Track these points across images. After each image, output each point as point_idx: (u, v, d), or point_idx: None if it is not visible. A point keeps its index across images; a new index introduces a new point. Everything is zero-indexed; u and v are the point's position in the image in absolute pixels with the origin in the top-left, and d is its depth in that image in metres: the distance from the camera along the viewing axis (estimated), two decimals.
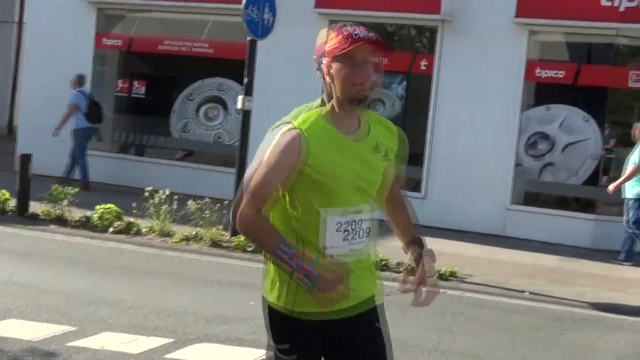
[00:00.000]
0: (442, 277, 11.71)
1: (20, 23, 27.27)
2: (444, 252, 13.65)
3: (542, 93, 16.18)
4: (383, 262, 12.07)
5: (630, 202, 13.75)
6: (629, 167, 13.73)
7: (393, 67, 16.90)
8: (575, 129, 15.78)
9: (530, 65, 15.79)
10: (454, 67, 16.14)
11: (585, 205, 15.95)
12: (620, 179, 13.80)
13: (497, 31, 15.89)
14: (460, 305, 10.55)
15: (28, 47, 20.06)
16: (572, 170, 15.74)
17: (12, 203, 14.02)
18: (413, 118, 17.01)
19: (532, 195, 16.24)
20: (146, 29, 19.04)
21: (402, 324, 9.30)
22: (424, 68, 16.56)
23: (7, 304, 8.72)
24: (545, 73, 15.79)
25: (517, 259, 13.73)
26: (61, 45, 18.93)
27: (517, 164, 15.81)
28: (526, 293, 11.39)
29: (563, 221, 15.50)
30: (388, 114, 17.04)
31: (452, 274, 11.85)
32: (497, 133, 15.77)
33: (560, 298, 11.25)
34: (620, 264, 13.79)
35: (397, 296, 10.66)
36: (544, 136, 15.87)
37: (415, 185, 16.55)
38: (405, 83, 17.16)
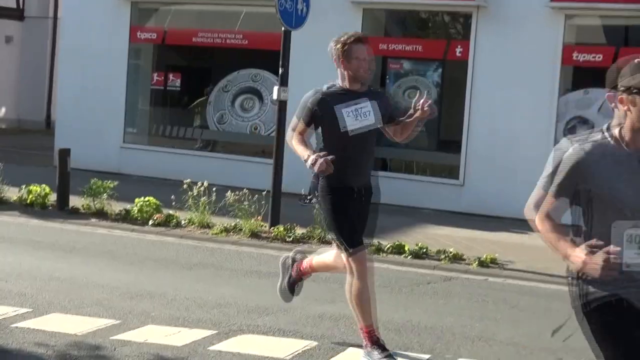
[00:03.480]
0: (482, 264, 11.67)
1: (55, 18, 27.46)
2: (484, 239, 13.60)
3: (579, 77, 16.04)
4: (422, 250, 12.04)
5: None
6: None
7: (428, 54, 16.85)
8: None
9: (567, 50, 15.67)
10: (490, 53, 16.04)
11: None
12: None
13: (533, 16, 15.78)
14: (501, 292, 10.50)
15: (63, 42, 20.17)
16: None
17: (52, 197, 14.11)
18: (449, 105, 16.94)
19: None
20: (180, 21, 19.08)
21: (444, 312, 9.27)
22: (459, 54, 16.47)
23: (51, 299, 8.78)
24: (583, 57, 15.66)
25: None
26: (96, 40, 19.03)
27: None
28: (568, 279, 11.29)
29: None
30: None
31: (493, 261, 11.79)
32: (535, 118, 15.66)
33: None
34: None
35: (439, 284, 10.67)
36: (583, 121, 15.75)
37: (452, 172, 16.50)
38: (440, 70, 17.09)
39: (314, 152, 7.00)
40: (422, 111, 7.21)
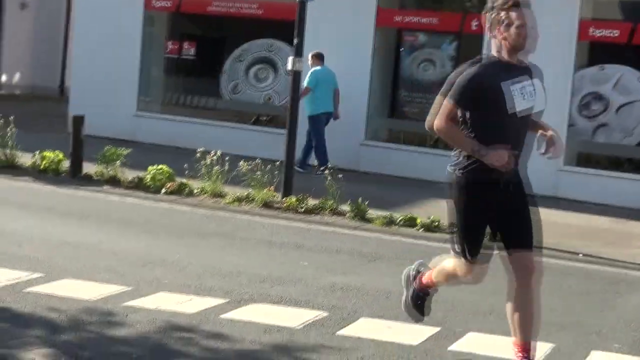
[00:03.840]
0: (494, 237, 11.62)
1: None
2: None
3: (595, 53, 15.96)
4: (434, 223, 12.03)
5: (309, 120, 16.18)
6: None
7: (443, 28, 16.78)
8: (630, 89, 15.57)
9: (583, 25, 15.57)
10: None
11: (639, 166, 15.76)
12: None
13: None
14: None
15: (78, 9, 20.15)
16: (626, 130, 15.56)
17: (66, 164, 14.13)
18: None
19: (585, 156, 16.08)
20: None
21: (455, 286, 9.26)
22: (475, 28, 16.38)
23: (64, 265, 8.82)
24: (599, 32, 15.57)
25: (569, 221, 13.63)
26: (111, 7, 18.99)
27: (570, 125, 15.65)
28: (579, 255, 11.31)
29: (616, 182, 15.34)
30: (439, 74, 16.93)
31: None
32: (550, 94, 15.42)
33: (614, 260, 11.15)
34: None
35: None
36: (598, 97, 15.68)
37: None
38: (456, 43, 17.01)
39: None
40: (550, 146, 6.40)
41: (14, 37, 27.71)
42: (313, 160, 16.21)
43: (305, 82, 15.88)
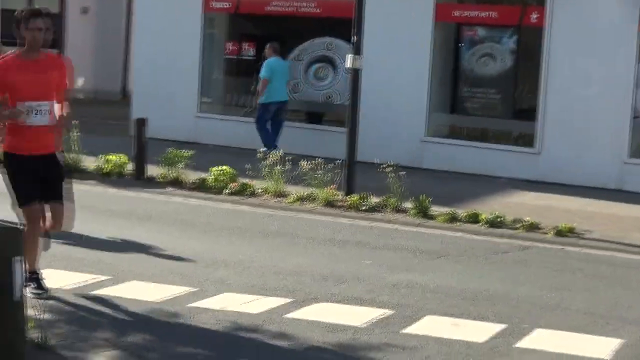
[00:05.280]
0: (560, 233, 11.53)
1: None
2: (561, 208, 13.45)
3: None
4: (498, 219, 11.93)
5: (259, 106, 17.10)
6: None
7: (503, 21, 16.63)
8: None
9: None
10: (566, 19, 15.78)
11: None
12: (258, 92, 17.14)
13: None
14: (578, 261, 10.39)
15: (139, 11, 20.32)
16: None
17: (129, 167, 14.27)
18: (525, 72, 16.73)
19: None
20: None
21: (520, 281, 9.21)
22: (534, 21, 16.23)
23: (129, 267, 8.91)
24: None
25: (636, 214, 13.43)
26: (171, 10, 19.12)
27: (635, 117, 15.42)
28: None
29: None
30: (499, 68, 16.80)
31: (570, 230, 11.65)
32: (612, 85, 15.39)
33: None
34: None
35: (515, 253, 10.61)
36: None
37: (529, 140, 16.30)
38: (516, 37, 16.87)
39: None
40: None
41: (76, 42, 28.03)
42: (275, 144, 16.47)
43: (261, 74, 16.96)
